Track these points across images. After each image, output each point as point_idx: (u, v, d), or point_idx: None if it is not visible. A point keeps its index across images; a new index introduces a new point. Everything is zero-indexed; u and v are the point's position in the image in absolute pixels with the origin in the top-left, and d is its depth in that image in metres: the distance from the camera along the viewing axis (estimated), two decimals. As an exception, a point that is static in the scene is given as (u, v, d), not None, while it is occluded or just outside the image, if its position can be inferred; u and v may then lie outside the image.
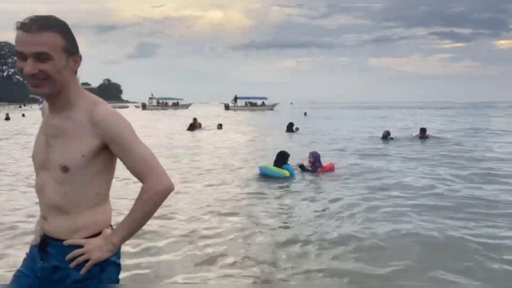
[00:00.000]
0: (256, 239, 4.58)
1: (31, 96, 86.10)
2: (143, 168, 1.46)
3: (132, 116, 39.63)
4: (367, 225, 5.02)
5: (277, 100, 69.10)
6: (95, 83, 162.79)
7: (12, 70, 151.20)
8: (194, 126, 21.42)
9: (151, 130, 21.35)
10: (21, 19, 1.39)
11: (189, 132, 19.93)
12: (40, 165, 1.53)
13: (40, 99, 78.72)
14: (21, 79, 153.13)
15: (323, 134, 18.89)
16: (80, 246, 1.48)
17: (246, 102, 65.73)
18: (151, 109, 62.73)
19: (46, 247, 1.52)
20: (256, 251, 4.21)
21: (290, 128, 19.52)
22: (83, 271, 1.46)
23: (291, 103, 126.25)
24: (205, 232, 4.76)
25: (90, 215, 1.51)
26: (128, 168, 1.49)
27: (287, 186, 7.38)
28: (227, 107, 63.44)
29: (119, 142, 1.45)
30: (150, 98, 70.48)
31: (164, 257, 4.03)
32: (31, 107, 72.42)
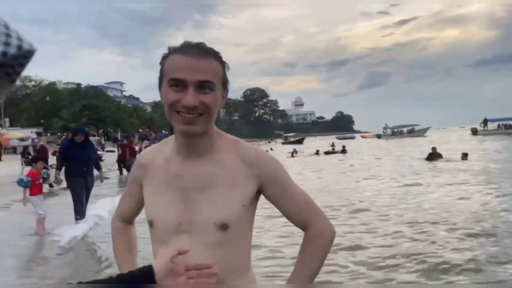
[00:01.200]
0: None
1: (276, 132, 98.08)
2: (308, 212, 1.27)
3: (367, 145, 39.78)
4: None
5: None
6: (328, 116, 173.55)
7: (262, 111, 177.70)
8: (433, 156, 19.38)
9: (381, 163, 20.51)
10: (174, 44, 1.18)
11: (428, 163, 18.04)
12: (174, 229, 1.20)
13: (283, 134, 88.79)
14: (270, 118, 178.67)
15: None
16: None
17: (499, 124, 56.12)
18: (386, 139, 63.07)
19: None
20: None
21: None
22: None
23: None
24: None
25: (247, 279, 1.27)
26: (288, 212, 1.27)
27: None
28: (474, 131, 54.95)
29: (278, 183, 1.25)
30: (384, 128, 71.61)
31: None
32: (275, 142, 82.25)
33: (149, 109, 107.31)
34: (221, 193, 1.19)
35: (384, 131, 70.32)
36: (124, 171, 16.74)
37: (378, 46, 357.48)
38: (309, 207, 1.28)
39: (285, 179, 1.27)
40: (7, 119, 45.17)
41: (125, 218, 1.46)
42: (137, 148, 18.57)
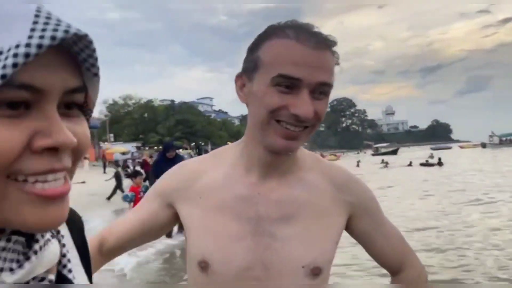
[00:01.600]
0: None
1: (365, 143, 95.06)
2: (403, 252, 1.02)
3: (468, 156, 36.28)
4: None
5: None
6: (422, 125, 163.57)
7: (349, 121, 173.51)
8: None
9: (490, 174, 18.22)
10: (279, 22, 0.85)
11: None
12: (241, 275, 0.86)
13: (373, 145, 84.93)
14: (358, 128, 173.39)
15: None
16: None
17: None
18: (493, 148, 58.10)
19: None
20: None
21: None
22: None
23: None
24: None
25: None
26: (381, 251, 0.99)
27: None
28: None
29: (373, 215, 0.98)
30: (490, 136, 66.50)
31: None
32: (365, 152, 79.26)
33: (237, 122, 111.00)
34: (311, 226, 0.89)
35: (490, 139, 64.97)
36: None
37: (478, 48, 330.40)
38: (404, 246, 1.04)
39: (379, 211, 1.01)
40: (111, 135, 49.87)
41: (106, 244, 0.96)
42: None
